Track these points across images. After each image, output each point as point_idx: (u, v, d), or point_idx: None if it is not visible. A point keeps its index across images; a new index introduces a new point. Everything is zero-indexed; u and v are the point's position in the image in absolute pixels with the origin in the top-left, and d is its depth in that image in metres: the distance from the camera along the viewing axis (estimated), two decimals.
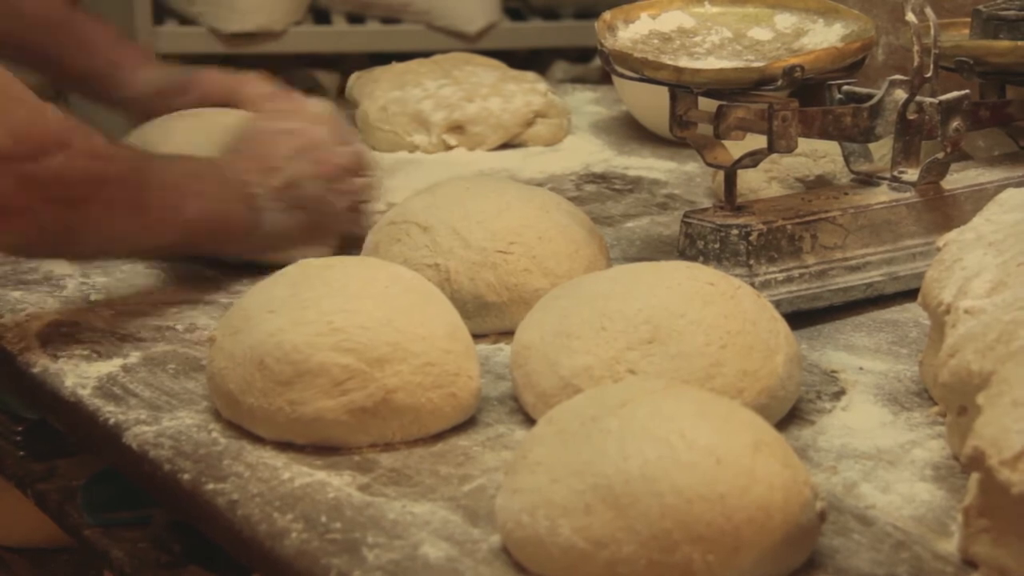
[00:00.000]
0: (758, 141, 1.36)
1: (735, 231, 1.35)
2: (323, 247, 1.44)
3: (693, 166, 1.84)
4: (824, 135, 1.40)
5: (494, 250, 1.32)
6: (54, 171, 1.26)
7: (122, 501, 1.37)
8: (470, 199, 1.36)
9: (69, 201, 1.28)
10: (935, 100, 1.42)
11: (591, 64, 3.31)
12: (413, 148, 1.91)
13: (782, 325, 1.18)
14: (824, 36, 1.39)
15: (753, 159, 1.38)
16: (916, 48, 1.38)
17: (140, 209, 1.33)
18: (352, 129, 1.59)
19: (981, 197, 1.38)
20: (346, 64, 3.10)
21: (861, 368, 1.27)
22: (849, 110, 1.41)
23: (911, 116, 1.42)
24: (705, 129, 1.38)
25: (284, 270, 1.22)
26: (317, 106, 1.59)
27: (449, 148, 1.92)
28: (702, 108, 1.38)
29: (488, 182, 1.46)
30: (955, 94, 1.43)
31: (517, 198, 1.37)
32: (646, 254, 1.55)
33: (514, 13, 3.34)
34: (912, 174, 1.43)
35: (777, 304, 1.26)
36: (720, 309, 1.15)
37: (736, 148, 1.39)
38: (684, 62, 1.37)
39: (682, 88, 1.37)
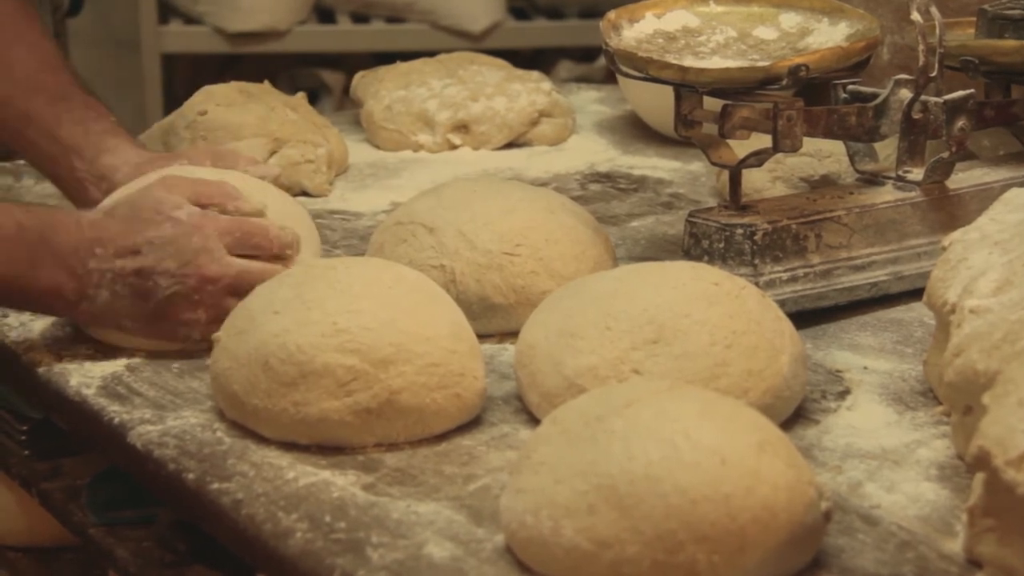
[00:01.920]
0: (763, 140, 1.36)
1: (740, 230, 1.35)
2: (166, 343, 1.32)
3: (698, 165, 1.84)
4: (829, 134, 1.40)
5: (500, 252, 1.32)
6: None
7: (127, 500, 1.37)
8: (476, 200, 1.36)
9: None
10: (940, 99, 1.42)
11: (596, 63, 3.31)
12: (418, 147, 1.91)
13: (787, 325, 1.18)
14: (829, 35, 1.39)
15: (758, 158, 1.38)
16: (921, 47, 1.38)
17: None
18: (279, 232, 1.35)
19: (986, 196, 1.38)
20: (350, 63, 3.10)
21: (866, 368, 1.27)
22: (854, 109, 1.40)
23: (916, 115, 1.42)
24: (710, 128, 1.38)
25: (288, 271, 1.22)
26: (251, 202, 1.37)
27: (454, 147, 1.92)
28: (707, 107, 1.38)
29: (494, 183, 1.46)
30: (960, 93, 1.43)
31: (523, 199, 1.37)
32: (651, 253, 1.55)
33: (519, 12, 3.35)
34: (917, 173, 1.43)
35: (782, 303, 1.25)
36: (725, 309, 1.15)
37: (741, 147, 1.39)
38: (689, 61, 1.36)
39: (687, 87, 1.37)
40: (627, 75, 1.38)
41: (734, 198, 1.39)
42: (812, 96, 1.39)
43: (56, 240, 1.28)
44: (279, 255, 1.34)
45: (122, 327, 1.31)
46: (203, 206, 1.34)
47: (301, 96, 1.87)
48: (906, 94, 1.41)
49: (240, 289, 1.28)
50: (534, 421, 1.16)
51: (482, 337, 1.24)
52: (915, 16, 1.39)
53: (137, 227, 1.30)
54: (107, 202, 1.39)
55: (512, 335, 1.27)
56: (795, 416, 1.18)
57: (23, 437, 1.49)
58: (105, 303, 1.29)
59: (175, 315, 1.29)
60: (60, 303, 1.30)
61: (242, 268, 1.31)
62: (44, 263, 1.27)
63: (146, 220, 1.31)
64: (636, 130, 2.01)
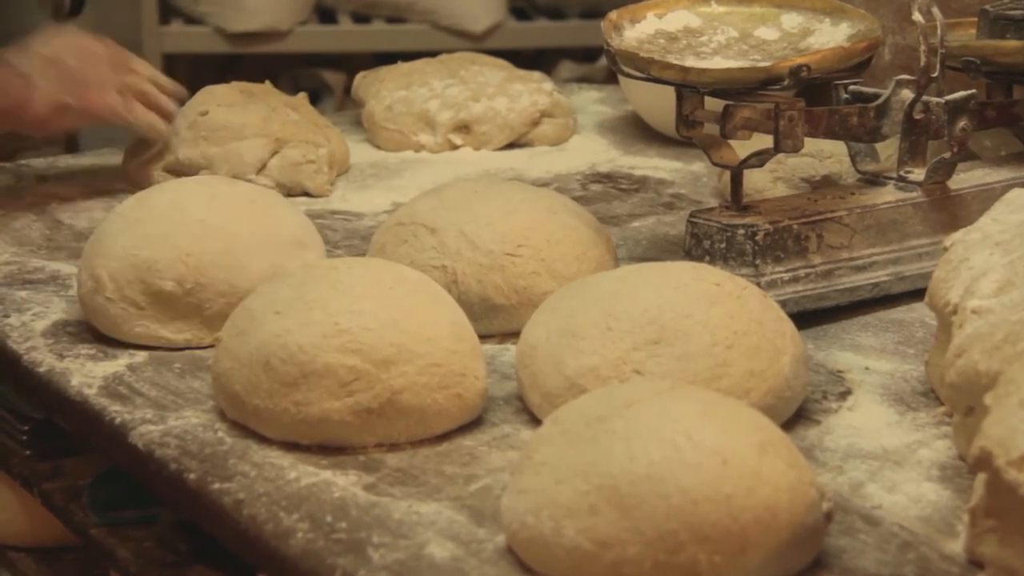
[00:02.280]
0: (764, 141, 1.36)
1: (741, 231, 1.35)
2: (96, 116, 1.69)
3: (699, 166, 1.84)
4: (830, 135, 1.40)
5: (502, 253, 1.32)
6: None
7: (128, 500, 1.37)
8: (478, 201, 1.36)
9: None
10: (942, 100, 1.42)
11: (597, 64, 3.32)
12: (419, 148, 1.92)
13: (788, 325, 1.18)
14: (830, 36, 1.39)
15: (759, 159, 1.38)
16: (923, 48, 1.38)
17: None
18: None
19: (988, 197, 1.38)
20: (352, 64, 3.10)
21: (867, 368, 1.27)
22: (855, 110, 1.40)
23: (917, 116, 1.42)
24: (711, 129, 1.38)
25: (290, 271, 1.22)
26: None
27: (455, 148, 1.92)
28: (708, 108, 1.38)
29: (495, 184, 1.46)
30: (962, 94, 1.43)
31: (525, 200, 1.37)
32: (652, 254, 1.55)
33: (520, 13, 3.35)
34: (918, 174, 1.43)
35: (783, 304, 1.25)
36: (726, 309, 1.15)
37: (742, 148, 1.39)
38: (690, 62, 1.36)
39: (688, 88, 1.37)
40: (628, 75, 1.38)
41: (735, 198, 1.39)
42: (813, 96, 1.39)
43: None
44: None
45: (62, 101, 1.66)
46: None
47: (302, 96, 1.87)
48: (908, 94, 1.41)
49: (125, 63, 1.71)
50: (535, 421, 1.16)
51: (483, 337, 1.24)
52: (917, 16, 1.39)
53: (42, 40, 1.70)
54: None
55: (514, 335, 1.27)
56: (796, 416, 1.18)
57: (24, 437, 1.50)
58: (44, 86, 1.66)
59: (93, 76, 1.67)
60: (16, 108, 1.67)
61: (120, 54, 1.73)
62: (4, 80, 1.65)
63: (45, 35, 1.69)
64: (637, 130, 2.01)
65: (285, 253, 1.34)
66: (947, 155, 1.43)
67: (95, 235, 1.36)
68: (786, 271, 1.36)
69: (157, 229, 1.32)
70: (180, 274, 1.30)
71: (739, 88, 1.35)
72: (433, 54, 2.06)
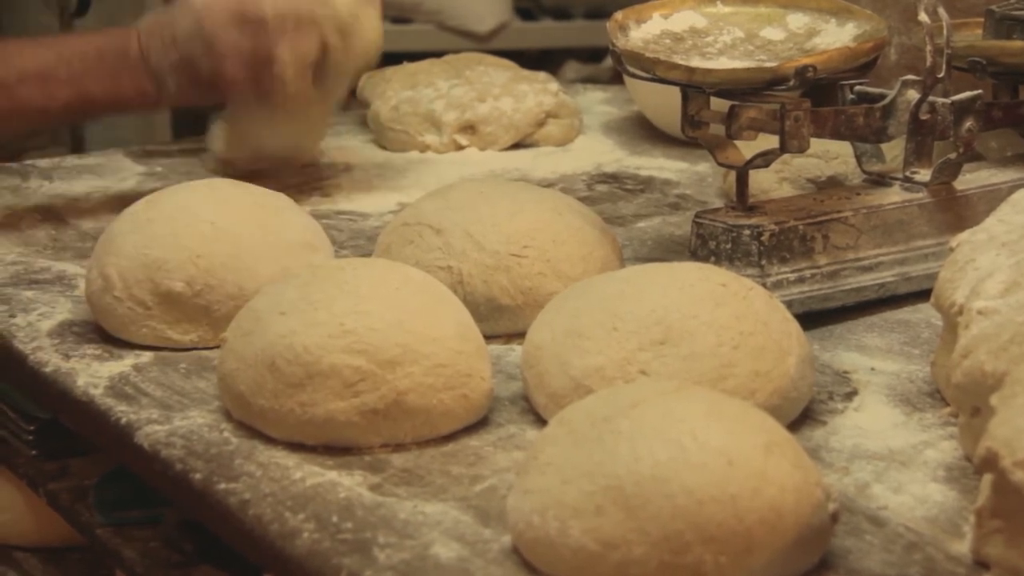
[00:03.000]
0: (770, 141, 1.36)
1: (747, 231, 1.35)
2: (250, 104, 1.65)
3: (705, 166, 1.84)
4: (836, 135, 1.40)
5: (508, 253, 1.32)
6: None
7: (134, 500, 1.37)
8: (483, 202, 1.36)
9: None
10: (948, 100, 1.42)
11: (602, 64, 3.32)
12: (424, 148, 1.92)
13: (794, 326, 1.18)
14: (836, 36, 1.39)
15: (765, 159, 1.38)
16: (929, 48, 1.38)
17: None
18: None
19: (994, 197, 1.37)
20: None
21: (873, 369, 1.27)
22: (861, 110, 1.40)
23: (924, 116, 1.42)
24: (717, 129, 1.38)
25: (295, 272, 1.22)
26: None
27: (460, 148, 1.92)
28: (714, 108, 1.38)
29: (501, 185, 1.46)
30: (968, 94, 1.43)
31: (530, 201, 1.37)
32: (657, 254, 1.55)
33: (525, 13, 3.35)
34: (924, 174, 1.43)
35: (789, 304, 1.25)
36: (732, 310, 1.15)
37: (748, 148, 1.39)
38: (696, 62, 1.36)
39: (694, 88, 1.37)
40: (634, 76, 1.38)
41: (741, 199, 1.39)
42: (819, 97, 1.39)
43: (128, 53, 1.62)
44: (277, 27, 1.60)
45: (197, 99, 1.65)
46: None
47: None
48: (913, 95, 1.41)
49: (262, 49, 1.58)
50: (541, 422, 1.16)
51: (489, 338, 1.24)
52: (922, 17, 1.39)
53: (165, 23, 1.63)
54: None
55: (519, 336, 1.27)
56: (802, 417, 1.18)
57: (30, 437, 1.50)
58: (177, 89, 1.62)
59: (227, 83, 1.60)
60: (147, 101, 1.64)
61: (256, 29, 1.59)
62: (123, 74, 1.62)
63: (169, 17, 1.63)
64: (643, 131, 2.01)
65: (294, 256, 1.34)
66: (953, 156, 1.43)
67: (105, 234, 1.36)
68: (792, 271, 1.36)
69: (168, 229, 1.32)
70: (190, 275, 1.30)
71: (745, 88, 1.35)
72: (439, 54, 2.06)
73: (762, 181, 1.59)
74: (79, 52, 1.64)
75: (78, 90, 1.62)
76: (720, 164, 1.41)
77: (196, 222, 1.33)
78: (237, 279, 1.31)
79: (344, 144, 1.96)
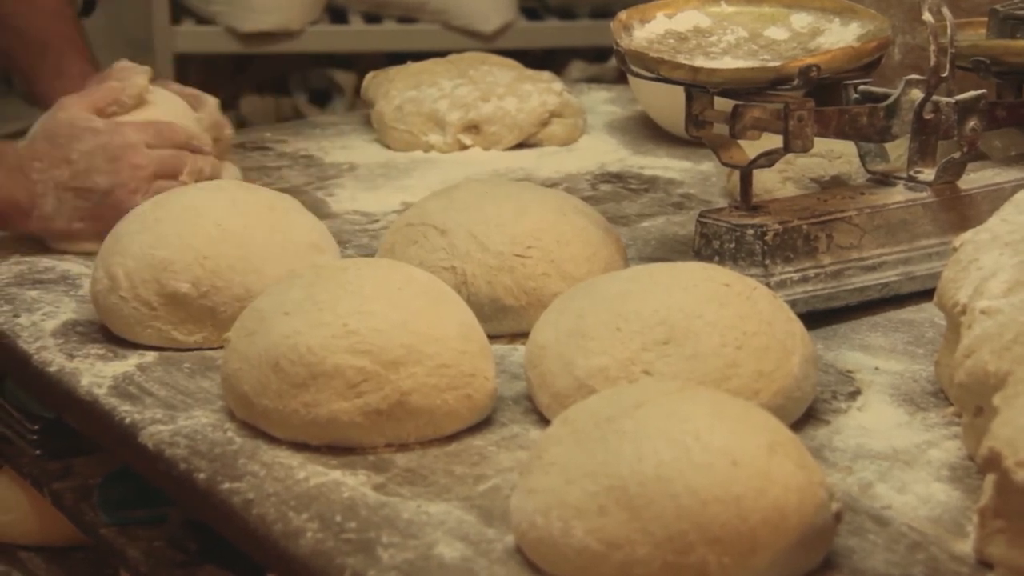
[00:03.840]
0: (774, 141, 1.36)
1: (751, 231, 1.35)
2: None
3: (708, 166, 1.84)
4: (840, 135, 1.40)
5: (512, 254, 1.32)
6: None
7: (138, 500, 1.37)
8: (487, 202, 1.36)
9: None
10: (951, 100, 1.42)
11: (607, 64, 3.32)
12: (428, 148, 1.92)
13: (798, 326, 1.18)
14: (840, 36, 1.39)
15: (769, 159, 1.38)
16: (933, 48, 1.38)
17: None
18: (188, 131, 1.61)
19: (997, 197, 1.37)
20: (362, 63, 3.11)
21: (877, 368, 1.27)
22: (865, 110, 1.40)
23: (927, 116, 1.41)
24: (721, 129, 1.38)
25: (299, 272, 1.22)
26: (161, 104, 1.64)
27: (464, 148, 1.92)
28: (718, 108, 1.38)
29: (505, 185, 1.46)
30: (972, 94, 1.43)
31: (534, 201, 1.37)
32: (661, 254, 1.55)
33: (530, 13, 3.35)
34: (928, 174, 1.43)
35: (793, 304, 1.25)
36: (736, 310, 1.15)
37: (752, 148, 1.39)
38: (700, 62, 1.36)
39: (698, 88, 1.37)
40: (638, 75, 1.38)
41: (745, 198, 1.39)
42: (823, 96, 1.39)
43: (3, 161, 1.52)
44: (190, 146, 1.58)
45: (74, 232, 1.54)
46: (103, 112, 1.57)
47: None
48: (917, 94, 1.41)
49: (167, 171, 1.54)
50: (544, 421, 1.16)
51: (492, 338, 1.24)
52: (926, 16, 1.38)
53: (61, 143, 1.53)
54: (29, 133, 1.59)
55: (523, 336, 1.27)
56: (806, 417, 1.18)
57: (34, 437, 1.50)
58: (54, 210, 1.52)
59: (117, 205, 1.50)
60: (17, 213, 1.52)
61: (163, 154, 1.55)
62: (4, 182, 1.51)
63: (67, 136, 1.54)
64: (647, 130, 2.01)
65: (301, 258, 1.34)
66: (957, 155, 1.43)
67: (113, 234, 1.36)
68: (796, 271, 1.36)
69: (175, 230, 1.32)
70: (196, 276, 1.30)
71: (749, 88, 1.35)
72: (443, 54, 2.06)
73: (766, 181, 1.59)
74: None
75: None
76: (724, 164, 1.41)
77: (203, 223, 1.33)
78: (244, 281, 1.31)
79: (348, 144, 1.96)
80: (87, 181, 1.53)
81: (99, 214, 1.52)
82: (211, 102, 1.71)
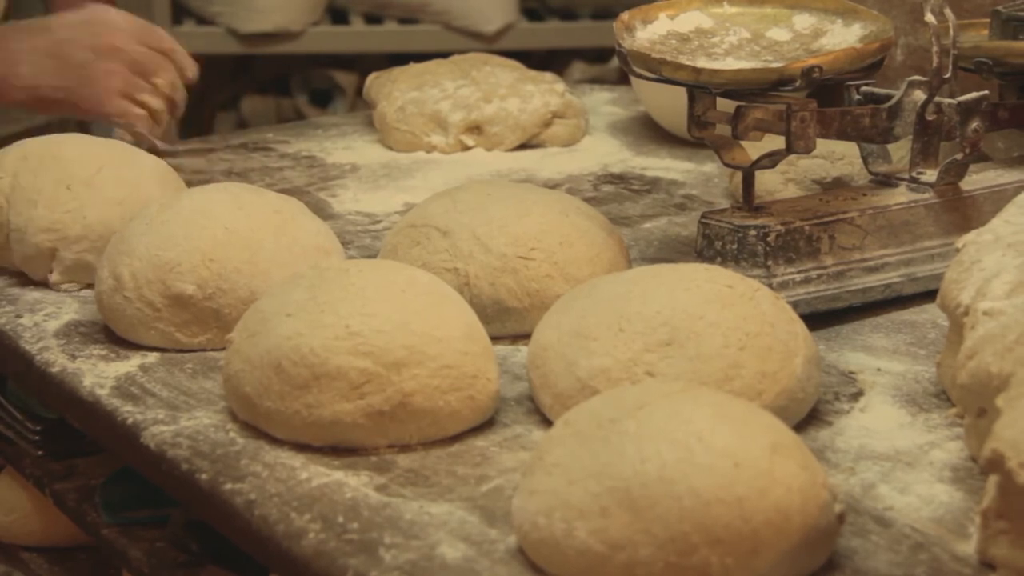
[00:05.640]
0: (776, 142, 1.36)
1: (753, 232, 1.35)
2: (88, 114, 1.63)
3: (711, 167, 1.84)
4: (842, 136, 1.40)
5: (515, 256, 1.32)
6: None
7: (140, 500, 1.37)
8: (491, 204, 1.36)
9: None
10: (954, 101, 1.42)
11: (609, 64, 3.32)
12: (431, 148, 1.92)
13: (800, 327, 1.18)
14: (843, 37, 1.39)
15: (771, 160, 1.38)
16: (935, 49, 1.38)
17: None
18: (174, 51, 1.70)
19: (1000, 198, 1.37)
20: (364, 64, 3.11)
21: (879, 369, 1.27)
22: (868, 111, 1.40)
23: (930, 117, 1.41)
24: (723, 130, 1.38)
25: (301, 273, 1.22)
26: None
27: (467, 148, 1.92)
28: (720, 109, 1.38)
29: (508, 186, 1.46)
30: (974, 95, 1.43)
31: (537, 202, 1.37)
32: (664, 255, 1.55)
33: (532, 13, 3.35)
34: (931, 175, 1.43)
35: (795, 305, 1.25)
36: (739, 311, 1.15)
37: (754, 149, 1.39)
38: (702, 62, 1.36)
39: (700, 88, 1.37)
40: (640, 76, 1.38)
41: (747, 199, 1.39)
42: (825, 97, 1.39)
43: None
44: (172, 56, 1.63)
45: (44, 95, 1.60)
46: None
47: None
48: (920, 95, 1.41)
49: (146, 69, 1.60)
50: (547, 422, 1.16)
51: (495, 339, 1.24)
52: (929, 17, 1.38)
53: (48, 23, 1.59)
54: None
55: (525, 337, 1.27)
56: (808, 418, 1.18)
57: (37, 437, 1.50)
58: (29, 75, 1.57)
59: (93, 82, 1.56)
60: None
61: (143, 51, 1.59)
62: None
63: (56, 20, 1.61)
64: (649, 131, 2.01)
65: (306, 260, 1.34)
66: (959, 156, 1.43)
67: (119, 234, 1.36)
68: (798, 272, 1.36)
69: (181, 232, 1.32)
70: (202, 278, 1.30)
71: (751, 89, 1.35)
72: (445, 55, 2.06)
73: (768, 182, 1.59)
74: None
75: None
76: (726, 165, 1.41)
77: (210, 225, 1.33)
78: (249, 283, 1.31)
79: (350, 144, 1.96)
80: (63, 49, 1.57)
81: (76, 84, 1.58)
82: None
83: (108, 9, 1.60)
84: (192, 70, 1.68)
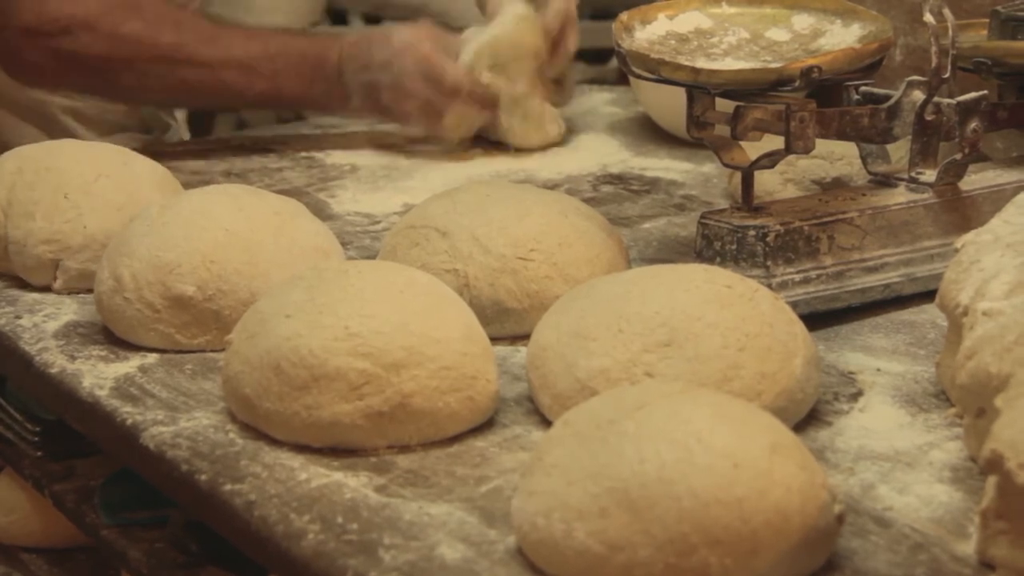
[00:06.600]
0: (775, 142, 1.36)
1: (752, 232, 1.35)
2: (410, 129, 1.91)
3: (710, 167, 1.84)
4: (842, 136, 1.40)
5: (515, 256, 1.32)
6: (78, 48, 1.79)
7: (139, 501, 1.37)
8: (490, 204, 1.36)
9: (96, 73, 1.82)
10: (953, 101, 1.42)
11: (608, 65, 3.32)
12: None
13: (800, 328, 1.18)
14: (842, 37, 1.39)
15: (770, 160, 1.38)
16: (934, 49, 1.38)
17: (177, 85, 1.85)
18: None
19: (999, 198, 1.37)
20: None
21: (878, 369, 1.27)
22: (867, 111, 1.40)
23: (929, 117, 1.41)
24: (722, 130, 1.38)
25: (300, 274, 1.22)
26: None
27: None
28: (719, 109, 1.38)
29: (507, 187, 1.46)
30: (973, 95, 1.43)
31: (536, 203, 1.37)
32: (663, 255, 1.55)
33: None
34: (930, 175, 1.43)
35: (794, 305, 1.25)
36: (738, 312, 1.15)
37: (753, 149, 1.39)
38: (701, 63, 1.36)
39: (699, 89, 1.37)
40: (639, 76, 1.38)
41: (746, 200, 1.39)
42: (825, 98, 1.39)
43: (326, 62, 1.87)
44: (452, 91, 1.85)
45: (373, 116, 1.91)
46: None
47: None
48: (919, 96, 1.41)
49: (434, 106, 1.84)
50: (546, 423, 1.16)
51: (494, 340, 1.24)
52: (928, 18, 1.38)
53: (366, 47, 1.87)
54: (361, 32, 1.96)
55: (525, 337, 1.27)
56: (808, 418, 1.18)
57: (36, 438, 1.50)
58: (360, 104, 1.87)
59: (399, 92, 1.83)
60: (332, 106, 1.91)
61: (434, 94, 1.83)
62: (317, 80, 1.86)
63: (376, 42, 1.87)
64: (648, 132, 2.01)
65: (306, 262, 1.34)
66: (958, 156, 1.43)
67: (120, 235, 1.36)
68: (797, 272, 1.36)
69: (181, 233, 1.32)
70: (202, 279, 1.30)
71: (750, 89, 1.35)
72: None
73: (767, 183, 1.59)
74: (283, 50, 1.87)
75: (274, 84, 1.86)
76: (725, 165, 1.41)
77: (210, 227, 1.33)
78: (249, 285, 1.31)
79: (349, 145, 1.96)
80: (376, 92, 1.85)
81: (389, 116, 1.88)
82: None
83: (405, 47, 1.86)
84: (491, 102, 1.89)
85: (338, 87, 1.86)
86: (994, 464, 0.93)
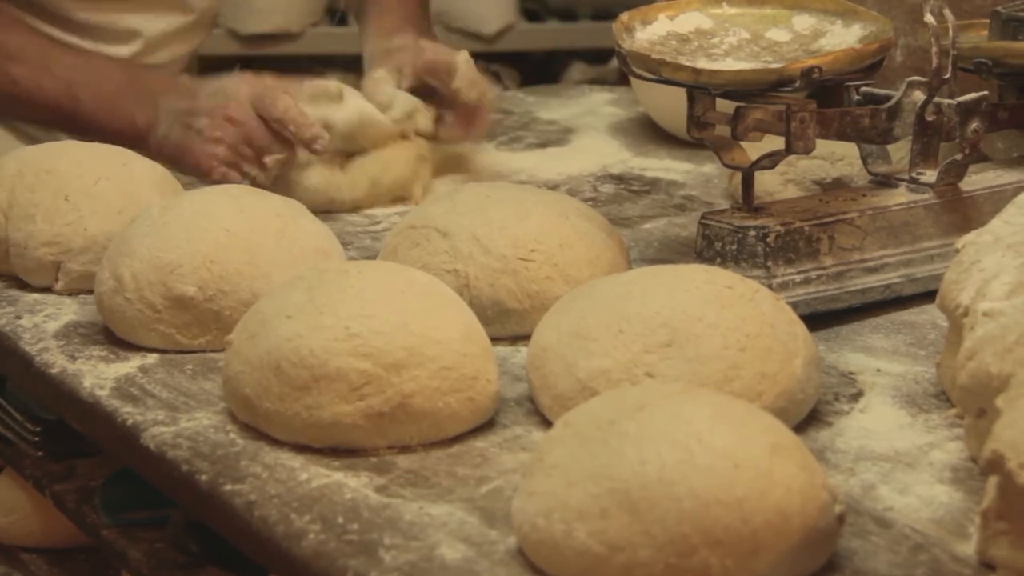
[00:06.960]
0: (776, 143, 1.36)
1: (753, 232, 1.35)
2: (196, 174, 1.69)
3: (710, 167, 1.84)
4: (842, 136, 1.40)
5: (515, 257, 1.32)
6: None
7: (140, 501, 1.37)
8: (491, 205, 1.36)
9: None
10: (953, 101, 1.42)
11: (608, 65, 3.32)
12: None
13: (800, 328, 1.18)
14: (842, 37, 1.39)
15: (771, 160, 1.38)
16: (934, 49, 1.38)
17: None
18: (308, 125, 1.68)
19: (1000, 199, 1.37)
20: (363, 65, 3.10)
21: (879, 370, 1.27)
22: (867, 111, 1.40)
23: (929, 117, 1.41)
24: (723, 130, 1.38)
25: (301, 275, 1.22)
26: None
27: None
28: (720, 109, 1.38)
29: (507, 188, 1.46)
30: (973, 95, 1.43)
31: (537, 204, 1.37)
32: (663, 255, 1.55)
33: (531, 14, 3.35)
34: (930, 176, 1.43)
35: (795, 306, 1.25)
36: (738, 312, 1.15)
37: (754, 149, 1.39)
38: (702, 63, 1.36)
39: (700, 89, 1.37)
40: (640, 77, 1.38)
41: (747, 200, 1.39)
42: (825, 98, 1.39)
43: (143, 83, 1.73)
44: (299, 138, 1.65)
45: (167, 154, 1.66)
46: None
47: None
48: (919, 96, 1.41)
49: (258, 143, 1.64)
50: (547, 423, 1.16)
51: (495, 340, 1.24)
52: (928, 18, 1.39)
53: (199, 81, 1.75)
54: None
55: (525, 338, 1.27)
56: (808, 419, 1.18)
57: (36, 438, 1.50)
58: (161, 135, 1.68)
59: (200, 154, 1.65)
60: (137, 128, 1.69)
61: (258, 125, 1.65)
62: (126, 97, 1.71)
63: (206, 82, 1.73)
64: (649, 132, 2.01)
65: (307, 263, 1.34)
66: (959, 157, 1.43)
67: (121, 236, 1.37)
68: (798, 273, 1.36)
69: (183, 234, 1.32)
70: (203, 280, 1.30)
71: (751, 90, 1.35)
72: None
73: (767, 183, 1.59)
74: (101, 64, 1.77)
75: (69, 90, 1.72)
76: (726, 165, 1.41)
77: (212, 228, 1.33)
78: (250, 285, 1.31)
79: None
80: (191, 119, 1.67)
81: (183, 154, 1.67)
82: (460, 61, 1.77)
83: (241, 79, 1.70)
84: (320, 143, 1.67)
85: (147, 109, 1.70)
86: (995, 464, 0.93)
